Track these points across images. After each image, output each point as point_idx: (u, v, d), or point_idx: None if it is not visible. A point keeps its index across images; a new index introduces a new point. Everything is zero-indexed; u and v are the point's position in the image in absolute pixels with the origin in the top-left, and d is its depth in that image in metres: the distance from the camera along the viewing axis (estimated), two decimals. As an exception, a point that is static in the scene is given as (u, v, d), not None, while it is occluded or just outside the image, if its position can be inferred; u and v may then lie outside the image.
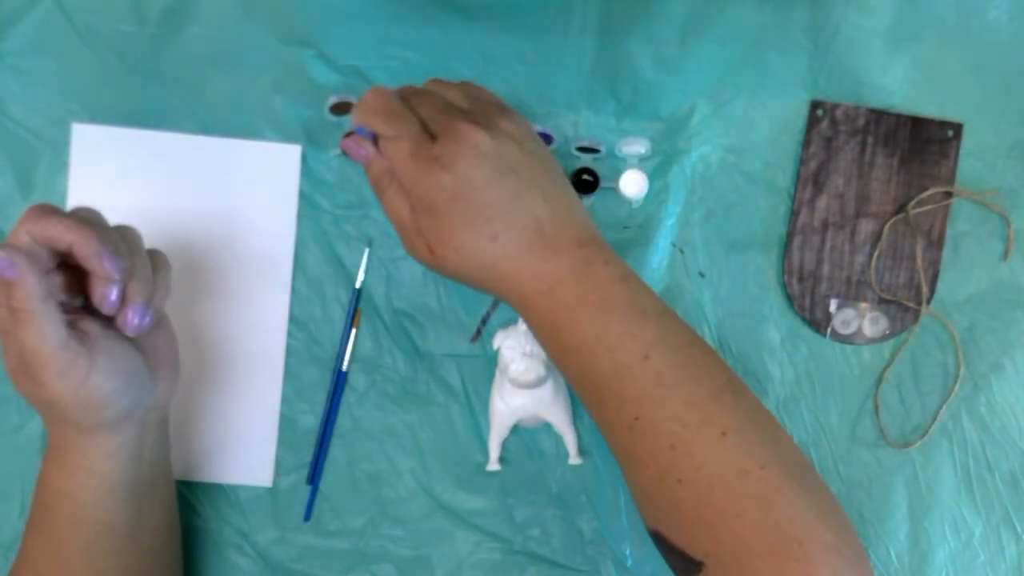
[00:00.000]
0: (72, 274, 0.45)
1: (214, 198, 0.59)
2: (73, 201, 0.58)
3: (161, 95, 0.59)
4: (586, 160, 0.59)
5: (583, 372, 0.45)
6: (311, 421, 0.59)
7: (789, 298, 0.61)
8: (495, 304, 0.60)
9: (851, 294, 0.61)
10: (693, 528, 0.42)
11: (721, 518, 0.41)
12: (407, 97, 0.47)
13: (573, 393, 0.59)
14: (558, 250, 0.45)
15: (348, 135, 0.47)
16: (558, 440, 0.59)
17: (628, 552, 0.59)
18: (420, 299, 0.60)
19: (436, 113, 0.46)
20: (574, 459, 0.58)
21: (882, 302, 0.61)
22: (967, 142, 0.61)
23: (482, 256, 0.45)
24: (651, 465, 0.43)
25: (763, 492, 0.41)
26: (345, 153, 0.48)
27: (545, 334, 0.46)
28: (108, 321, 0.46)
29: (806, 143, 0.61)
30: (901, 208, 0.61)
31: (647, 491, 0.44)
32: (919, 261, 0.61)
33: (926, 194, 0.61)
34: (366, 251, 0.59)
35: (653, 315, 0.45)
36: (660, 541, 0.44)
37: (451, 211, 0.44)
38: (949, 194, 0.61)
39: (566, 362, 0.46)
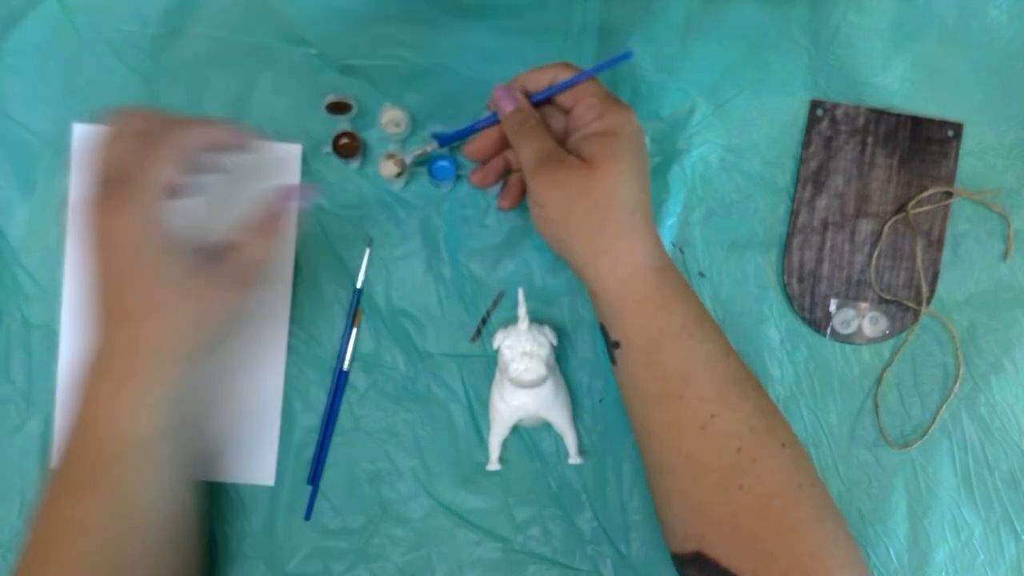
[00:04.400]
0: None
1: (214, 196, 0.58)
2: (74, 201, 0.58)
3: (162, 95, 0.59)
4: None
5: (674, 361, 0.45)
6: (312, 420, 0.59)
7: (789, 298, 0.61)
8: (495, 303, 0.60)
9: (851, 294, 0.61)
10: (746, 542, 0.43)
11: (777, 531, 0.42)
12: None
13: (574, 393, 0.59)
14: (661, 243, 0.49)
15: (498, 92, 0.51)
16: (558, 440, 0.59)
17: (628, 552, 0.59)
18: (420, 299, 0.60)
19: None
20: (574, 459, 0.58)
21: (882, 302, 0.61)
22: (967, 142, 0.61)
23: (633, 193, 0.46)
24: (715, 470, 0.44)
25: (815, 508, 0.43)
26: (494, 98, 0.51)
27: (647, 315, 0.46)
28: None
29: (806, 143, 0.61)
30: (901, 208, 0.61)
31: (701, 504, 0.44)
32: (919, 261, 0.61)
33: (926, 194, 0.61)
34: (367, 251, 0.59)
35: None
36: (701, 562, 0.44)
37: (631, 142, 0.47)
38: (949, 194, 0.61)
39: (658, 349, 0.46)
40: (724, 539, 0.43)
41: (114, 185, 0.43)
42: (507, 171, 0.55)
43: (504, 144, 0.54)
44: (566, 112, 0.51)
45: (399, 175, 0.56)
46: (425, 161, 0.58)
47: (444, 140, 0.55)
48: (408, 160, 0.56)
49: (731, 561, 0.43)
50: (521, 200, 0.55)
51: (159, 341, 0.44)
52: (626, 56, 0.50)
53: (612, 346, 0.48)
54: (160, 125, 0.44)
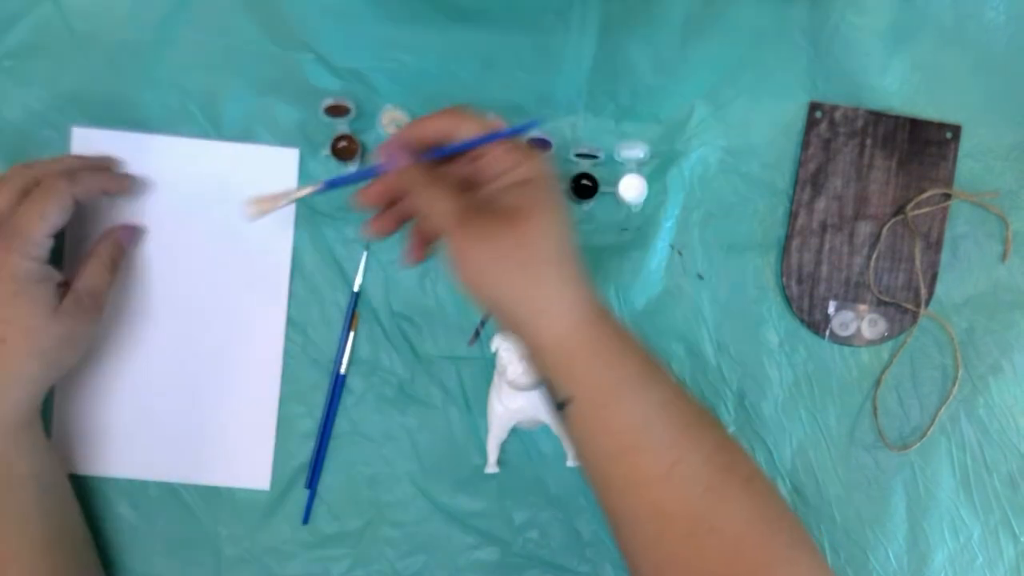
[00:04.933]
0: None
1: (212, 202, 0.58)
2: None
3: (159, 99, 0.59)
4: (585, 166, 0.59)
5: (626, 414, 0.43)
6: (309, 424, 0.59)
7: (788, 300, 0.61)
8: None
9: (850, 296, 0.61)
10: None
11: (752, 570, 0.41)
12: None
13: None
14: (593, 286, 0.45)
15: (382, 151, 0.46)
16: (556, 442, 0.59)
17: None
18: (418, 302, 0.60)
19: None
20: (572, 461, 0.58)
21: (881, 304, 0.61)
22: (965, 144, 0.61)
23: (563, 241, 0.43)
24: (680, 519, 0.42)
25: (789, 544, 0.41)
26: (383, 159, 0.45)
27: (601, 364, 0.43)
28: None
29: (805, 145, 0.61)
30: (900, 210, 0.61)
31: (671, 553, 0.42)
32: (918, 263, 0.61)
33: (924, 196, 0.61)
34: (364, 254, 0.59)
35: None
36: None
37: (551, 189, 0.44)
38: (948, 196, 0.61)
39: (611, 404, 0.43)
40: None
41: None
42: (407, 219, 0.49)
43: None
44: (473, 160, 0.46)
45: (260, 210, 0.51)
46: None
47: (333, 184, 0.50)
48: (284, 202, 0.50)
49: None
50: (429, 254, 0.49)
51: (27, 362, 0.49)
52: (535, 124, 0.47)
53: (561, 403, 0.44)
54: (47, 181, 0.50)
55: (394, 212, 0.48)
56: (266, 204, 0.50)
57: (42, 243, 0.50)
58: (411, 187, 0.45)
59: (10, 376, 0.49)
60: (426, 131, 0.46)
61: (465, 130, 0.45)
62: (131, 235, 0.57)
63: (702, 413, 0.45)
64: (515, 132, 0.45)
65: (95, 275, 0.54)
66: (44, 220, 0.50)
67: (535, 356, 0.44)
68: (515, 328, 0.44)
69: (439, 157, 0.46)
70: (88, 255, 0.55)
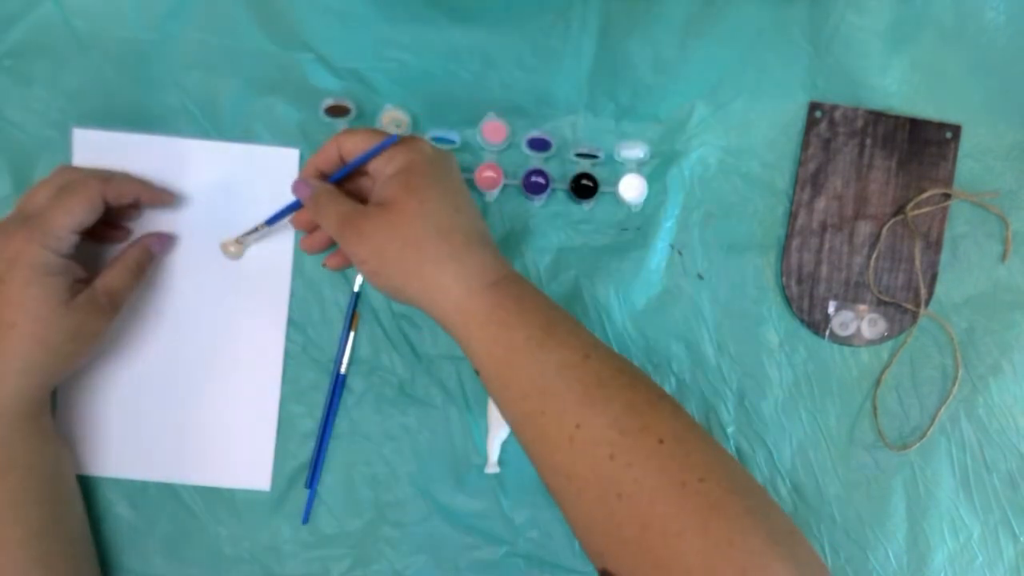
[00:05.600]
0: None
1: (213, 202, 0.59)
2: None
3: (160, 99, 0.59)
4: (585, 165, 0.59)
5: (525, 376, 0.44)
6: (309, 424, 0.59)
7: (787, 300, 0.61)
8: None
9: (849, 296, 0.61)
10: (635, 555, 0.40)
11: (662, 539, 0.39)
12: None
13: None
14: (498, 254, 0.49)
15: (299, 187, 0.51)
16: (557, 442, 0.59)
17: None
18: (418, 302, 0.60)
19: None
20: (573, 461, 0.58)
21: (880, 304, 0.61)
22: (965, 144, 0.61)
23: (443, 218, 0.47)
24: (591, 483, 0.41)
25: (702, 507, 0.39)
26: (294, 193, 0.51)
27: (488, 335, 0.46)
28: None
29: (805, 145, 0.61)
30: (899, 210, 0.61)
31: (589, 519, 0.42)
32: (917, 263, 0.61)
33: (924, 196, 0.61)
34: (364, 254, 0.59)
35: (580, 322, 0.47)
36: None
37: (428, 170, 0.48)
38: (947, 196, 0.61)
39: (507, 368, 0.45)
40: (618, 553, 0.41)
41: (24, 220, 0.51)
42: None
43: None
44: (364, 172, 0.51)
45: (237, 252, 0.58)
46: (261, 239, 0.59)
47: (272, 220, 0.56)
48: (245, 242, 0.58)
49: (632, 574, 0.40)
50: (348, 262, 0.55)
51: (34, 349, 0.50)
52: (393, 139, 0.49)
53: (476, 370, 0.47)
54: (81, 179, 0.52)
55: (320, 234, 0.55)
56: (233, 247, 0.58)
57: (64, 236, 0.51)
58: (312, 215, 0.51)
59: (16, 362, 0.50)
60: (320, 160, 0.51)
61: (349, 147, 0.50)
62: (162, 243, 0.57)
63: (615, 374, 0.44)
64: (382, 146, 0.49)
65: (116, 276, 0.54)
66: (68, 214, 0.51)
67: (440, 323, 0.48)
68: (418, 307, 0.48)
69: (340, 177, 0.51)
70: (116, 257, 0.55)
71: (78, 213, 0.51)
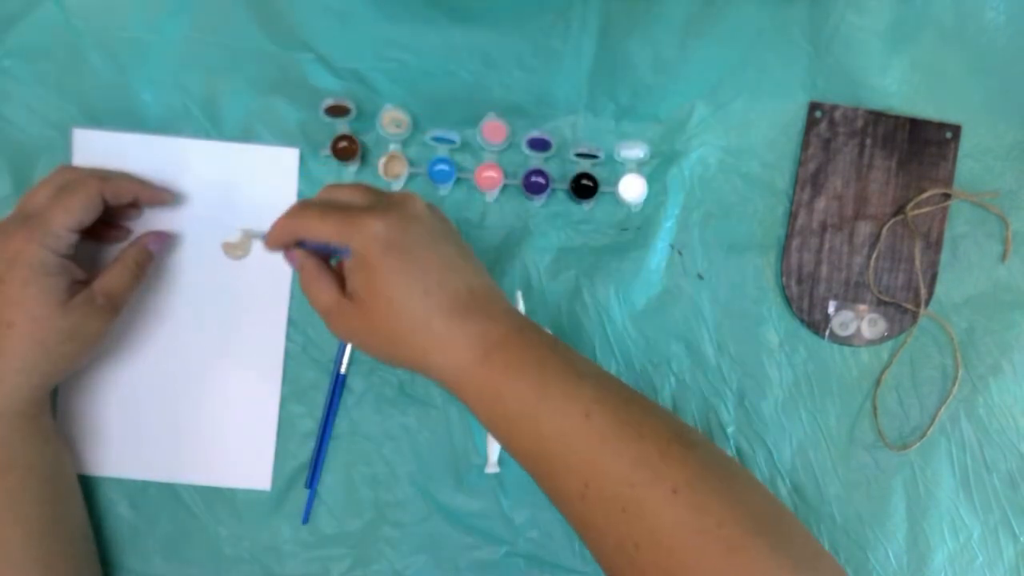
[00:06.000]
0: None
1: (213, 201, 0.58)
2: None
3: (159, 99, 0.59)
4: (585, 165, 0.59)
5: (529, 442, 0.44)
6: (309, 424, 0.59)
7: (787, 300, 0.61)
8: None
9: (849, 296, 0.61)
10: None
11: None
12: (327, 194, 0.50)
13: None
14: (491, 315, 0.46)
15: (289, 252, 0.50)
16: (557, 442, 0.59)
17: (627, 554, 0.59)
18: (418, 302, 0.60)
19: (361, 195, 0.48)
20: (573, 461, 0.58)
21: (880, 304, 0.61)
22: (965, 144, 0.61)
23: (415, 309, 0.45)
24: (608, 533, 0.41)
25: (722, 552, 0.39)
26: (292, 264, 0.50)
27: (486, 407, 0.45)
28: None
29: (804, 145, 0.61)
30: (899, 210, 0.61)
31: (612, 561, 0.42)
32: (917, 263, 0.61)
33: (924, 196, 0.61)
34: (364, 254, 0.59)
35: (589, 375, 0.45)
36: None
37: (386, 261, 0.45)
38: (947, 196, 0.61)
39: (509, 436, 0.45)
40: None
41: (25, 219, 0.51)
42: None
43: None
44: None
45: (242, 250, 0.56)
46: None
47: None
48: (248, 248, 0.55)
49: None
50: None
51: (31, 349, 0.50)
52: (343, 253, 0.47)
53: None
54: (80, 179, 0.52)
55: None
56: (238, 249, 0.55)
57: (63, 236, 0.51)
58: (300, 282, 0.49)
59: (14, 361, 0.50)
60: (284, 236, 0.48)
61: (301, 227, 0.47)
62: (160, 242, 0.57)
63: (622, 426, 0.43)
64: (327, 248, 0.47)
65: (115, 277, 0.54)
66: (67, 213, 0.51)
67: None
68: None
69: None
70: (115, 258, 0.55)
71: (77, 212, 0.51)
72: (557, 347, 0.46)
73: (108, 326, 0.54)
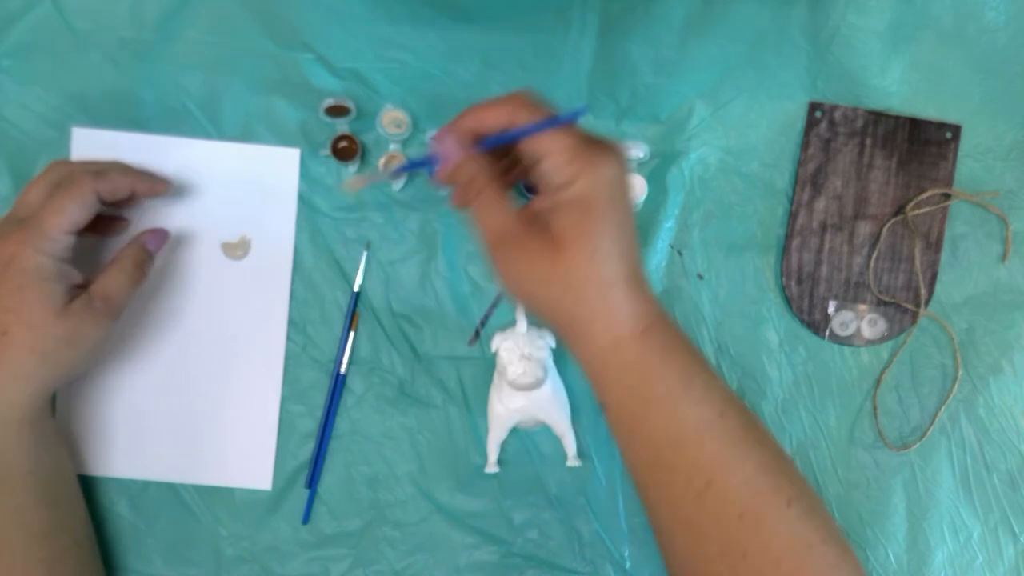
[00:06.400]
0: None
1: (213, 201, 0.58)
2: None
3: (159, 99, 0.59)
4: (584, 162, 0.59)
5: (662, 430, 0.42)
6: (309, 424, 0.59)
7: (787, 300, 0.61)
8: (493, 306, 0.60)
9: (849, 296, 0.61)
10: None
11: None
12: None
13: (572, 396, 0.59)
14: (650, 293, 0.44)
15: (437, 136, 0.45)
16: (556, 442, 0.59)
17: (627, 554, 0.59)
18: (418, 302, 0.60)
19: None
20: (572, 461, 0.58)
21: (880, 304, 0.61)
22: (965, 144, 0.61)
23: (609, 267, 0.41)
24: (715, 539, 0.41)
25: (825, 568, 0.40)
26: (434, 146, 0.44)
27: (629, 384, 0.43)
28: None
29: (804, 145, 0.61)
30: (899, 210, 0.61)
31: (706, 570, 0.42)
32: (917, 263, 0.61)
33: (924, 196, 0.61)
34: (364, 254, 0.59)
35: (716, 371, 0.44)
36: None
37: (606, 209, 0.41)
38: (947, 196, 0.61)
39: (644, 420, 0.43)
40: None
41: (19, 222, 0.50)
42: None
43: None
44: (535, 164, 0.43)
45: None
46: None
47: (405, 169, 0.52)
48: (369, 182, 0.56)
49: None
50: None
51: (27, 357, 0.49)
52: (583, 111, 0.43)
53: (600, 405, 0.45)
54: (73, 176, 0.51)
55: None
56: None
57: (58, 238, 0.49)
58: (465, 187, 0.44)
59: (9, 369, 0.49)
60: (481, 120, 0.44)
61: (521, 120, 0.43)
62: (158, 239, 0.56)
63: (748, 430, 0.43)
64: (560, 121, 0.42)
65: (113, 280, 0.52)
66: (61, 214, 0.49)
67: (574, 358, 0.45)
68: (553, 331, 0.44)
69: (492, 147, 0.44)
70: (112, 260, 0.53)
71: (71, 212, 0.49)
72: (690, 340, 0.45)
73: (107, 331, 0.52)
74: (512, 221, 0.43)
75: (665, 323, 0.44)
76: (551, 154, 0.42)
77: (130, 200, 0.56)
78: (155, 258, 0.56)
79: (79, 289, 0.52)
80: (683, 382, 0.43)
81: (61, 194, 0.50)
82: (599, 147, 0.42)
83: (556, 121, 0.42)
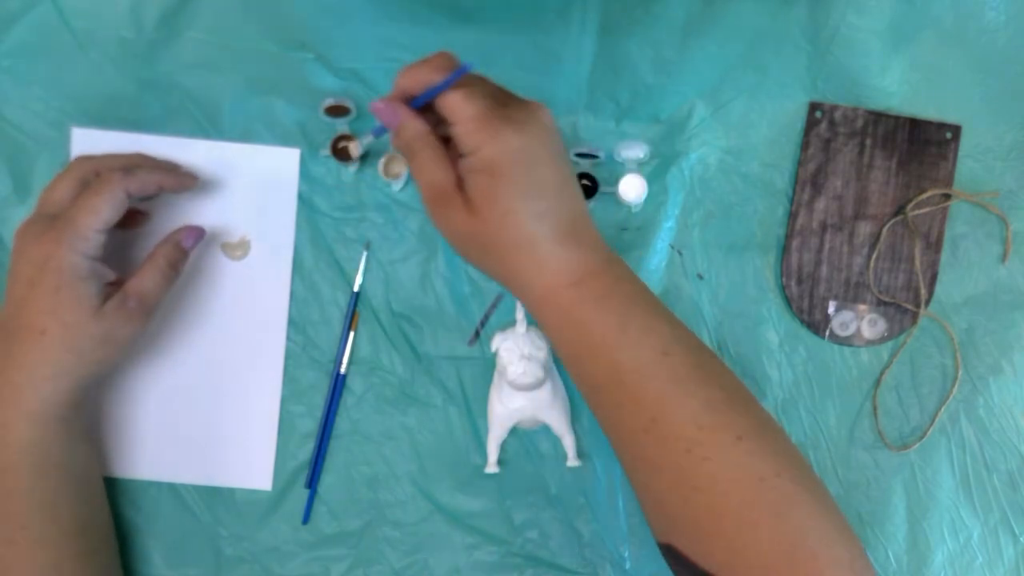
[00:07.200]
0: None
1: (213, 201, 0.59)
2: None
3: (159, 99, 0.59)
4: (585, 166, 0.59)
5: (603, 372, 0.44)
6: (309, 424, 0.59)
7: (787, 300, 0.61)
8: (493, 306, 0.60)
9: (849, 296, 0.61)
10: (707, 539, 0.42)
11: (736, 528, 0.41)
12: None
13: (572, 395, 0.59)
14: (590, 244, 0.46)
15: (383, 101, 0.46)
16: (556, 442, 0.59)
17: (626, 554, 0.59)
18: (418, 301, 0.60)
19: (497, 90, 0.46)
20: (572, 461, 0.58)
21: (880, 304, 0.61)
22: (965, 144, 0.61)
23: (526, 228, 0.44)
24: (666, 471, 0.43)
25: (778, 500, 0.41)
26: (374, 114, 0.46)
27: (566, 331, 0.45)
28: None
29: (804, 145, 0.61)
30: (899, 210, 0.61)
31: (660, 500, 0.44)
32: (917, 263, 0.61)
33: (924, 196, 0.61)
34: (364, 253, 0.59)
35: (666, 315, 0.46)
36: (672, 554, 0.44)
37: (513, 174, 0.43)
38: (947, 196, 0.61)
39: (584, 361, 0.45)
40: (687, 535, 0.42)
41: (51, 220, 0.50)
42: None
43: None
44: (452, 126, 0.45)
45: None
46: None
47: (377, 133, 0.53)
48: (359, 147, 0.55)
49: (698, 557, 0.42)
50: None
51: (64, 356, 0.50)
52: (468, 67, 0.44)
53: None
54: (101, 172, 0.51)
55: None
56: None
57: (91, 238, 0.50)
58: (407, 146, 0.46)
59: (47, 367, 0.49)
60: (412, 82, 0.45)
61: (436, 80, 0.44)
62: (193, 236, 0.56)
63: (695, 368, 0.44)
64: (449, 82, 0.44)
65: (148, 279, 0.53)
66: (94, 214, 0.49)
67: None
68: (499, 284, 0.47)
69: (418, 107, 0.46)
70: (147, 258, 0.54)
71: (103, 212, 0.50)
72: (641, 285, 0.47)
73: (141, 329, 0.53)
74: (447, 180, 0.45)
75: (606, 271, 0.45)
76: (459, 122, 0.44)
77: (154, 194, 0.55)
78: (189, 255, 0.56)
79: (111, 287, 0.52)
80: (619, 326, 0.44)
81: (92, 194, 0.50)
82: (507, 114, 0.44)
83: (449, 82, 0.43)
